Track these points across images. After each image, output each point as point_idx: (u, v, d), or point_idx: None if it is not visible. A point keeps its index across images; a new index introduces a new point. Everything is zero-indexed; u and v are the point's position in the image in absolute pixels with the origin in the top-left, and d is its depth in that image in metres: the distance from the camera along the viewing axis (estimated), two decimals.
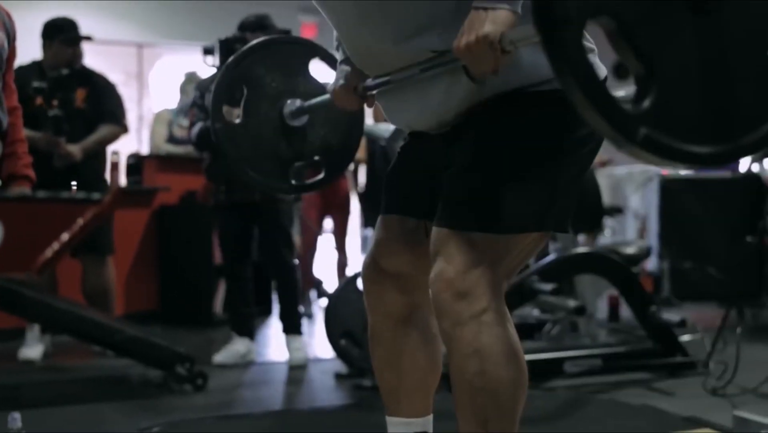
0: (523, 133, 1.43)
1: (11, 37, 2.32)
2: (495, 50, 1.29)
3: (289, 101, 1.92)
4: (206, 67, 3.82)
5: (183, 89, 5.15)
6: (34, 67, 3.84)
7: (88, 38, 3.92)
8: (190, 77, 5.08)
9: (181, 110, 5.01)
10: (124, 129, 4.05)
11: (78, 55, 3.90)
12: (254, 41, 1.99)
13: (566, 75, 0.98)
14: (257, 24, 3.69)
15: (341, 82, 1.69)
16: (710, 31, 1.04)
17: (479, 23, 1.31)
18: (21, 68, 3.43)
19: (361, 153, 4.94)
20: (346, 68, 1.69)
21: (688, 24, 1.03)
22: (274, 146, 1.95)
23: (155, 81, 8.37)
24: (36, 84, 3.68)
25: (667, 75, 1.01)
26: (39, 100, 3.74)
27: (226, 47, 3.62)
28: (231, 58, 1.96)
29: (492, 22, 1.30)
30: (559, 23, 0.97)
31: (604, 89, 0.98)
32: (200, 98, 3.70)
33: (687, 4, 1.02)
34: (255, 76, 1.92)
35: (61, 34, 3.82)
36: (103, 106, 3.94)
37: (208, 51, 3.76)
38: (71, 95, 3.86)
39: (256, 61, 1.94)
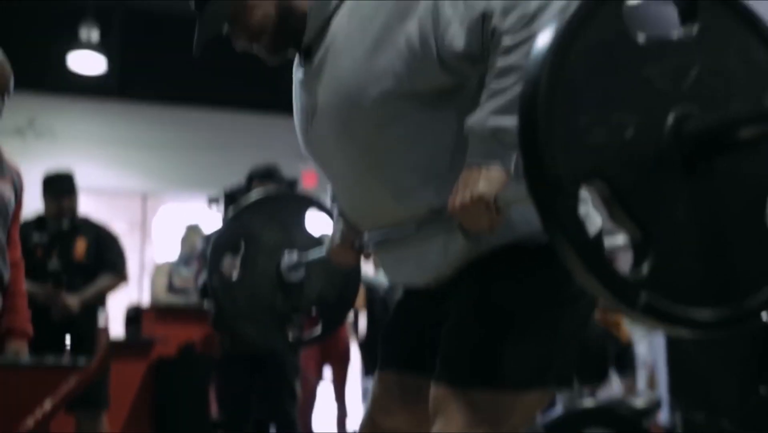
0: (519, 288, 1.41)
1: (18, 193, 2.38)
2: (490, 210, 1.29)
3: (286, 255, 1.92)
4: (209, 217, 3.87)
5: (184, 241, 5.19)
6: (37, 221, 3.88)
7: (60, 193, 3.85)
8: (192, 229, 5.13)
9: (181, 261, 5.02)
10: (123, 279, 4.05)
11: (68, 208, 3.88)
12: (253, 198, 2.02)
13: (561, 241, 0.96)
14: (265, 173, 3.79)
15: (338, 240, 1.69)
16: (706, 193, 1.03)
17: (473, 182, 1.31)
18: (25, 223, 3.47)
19: (360, 301, 4.90)
20: (342, 225, 1.69)
21: (683, 187, 1.02)
22: (270, 300, 1.93)
23: (158, 229, 8.45)
24: (36, 237, 3.71)
25: (665, 238, 1.00)
26: (39, 253, 3.76)
27: (230, 198, 3.69)
28: (231, 215, 1.99)
29: (486, 180, 1.30)
30: (552, 189, 0.97)
31: (601, 255, 0.96)
32: (207, 249, 3.73)
33: (680, 167, 1.02)
34: (253, 231, 1.94)
35: (48, 188, 3.87)
36: (104, 256, 3.95)
37: (213, 201, 3.83)
38: (71, 248, 3.87)
39: (254, 217, 1.96)
